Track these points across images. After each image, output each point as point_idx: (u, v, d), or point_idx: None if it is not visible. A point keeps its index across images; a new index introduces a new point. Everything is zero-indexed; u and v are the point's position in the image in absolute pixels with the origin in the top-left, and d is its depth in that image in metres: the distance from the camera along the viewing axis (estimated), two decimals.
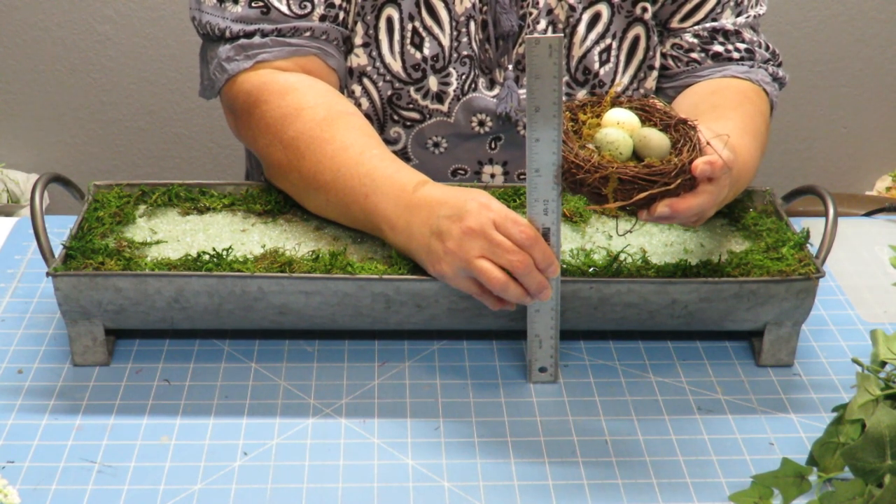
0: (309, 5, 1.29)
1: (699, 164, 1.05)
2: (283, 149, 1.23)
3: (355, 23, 1.33)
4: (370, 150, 1.20)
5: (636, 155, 1.08)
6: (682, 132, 1.10)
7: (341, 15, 1.32)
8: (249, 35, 1.28)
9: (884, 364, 1.09)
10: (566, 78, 1.37)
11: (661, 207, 1.05)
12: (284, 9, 1.28)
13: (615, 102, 1.12)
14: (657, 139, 1.07)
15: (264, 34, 1.28)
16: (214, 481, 1.02)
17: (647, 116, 1.12)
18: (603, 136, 1.07)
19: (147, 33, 2.61)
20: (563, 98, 1.36)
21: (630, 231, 1.23)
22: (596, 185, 1.04)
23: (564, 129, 1.06)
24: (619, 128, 1.07)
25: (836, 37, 2.70)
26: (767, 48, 1.42)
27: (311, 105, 1.24)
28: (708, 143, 1.07)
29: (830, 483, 1.01)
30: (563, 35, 1.07)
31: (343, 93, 1.36)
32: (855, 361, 1.09)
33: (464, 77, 1.35)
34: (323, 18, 1.30)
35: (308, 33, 1.29)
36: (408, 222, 1.13)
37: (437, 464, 1.05)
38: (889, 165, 2.86)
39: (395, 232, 1.14)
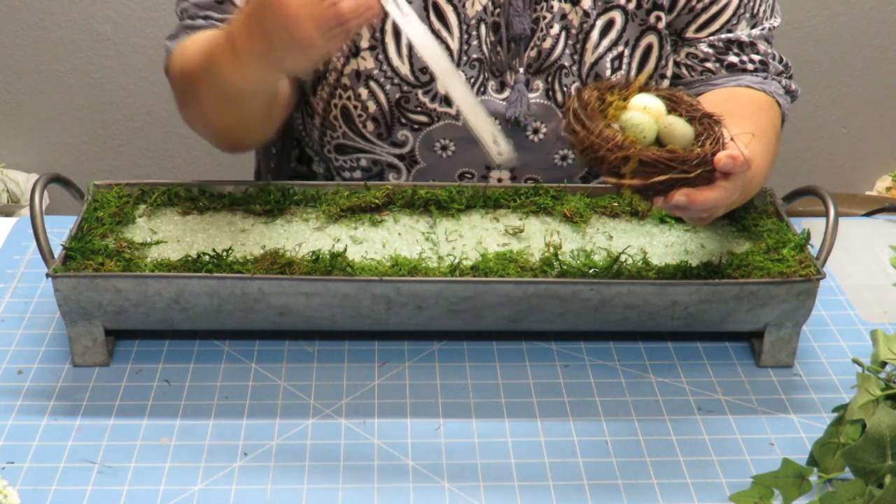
0: None
1: (722, 157, 1.04)
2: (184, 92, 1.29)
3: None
4: (214, 31, 1.24)
5: (659, 142, 1.08)
6: (706, 125, 1.10)
7: None
8: (195, 17, 1.32)
9: (884, 364, 1.09)
10: (577, 84, 1.37)
11: (679, 196, 1.04)
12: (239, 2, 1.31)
13: (643, 88, 1.12)
14: (682, 128, 1.07)
15: (213, 20, 1.31)
16: (214, 482, 1.02)
17: (673, 106, 1.12)
18: (628, 119, 1.06)
19: (147, 33, 2.61)
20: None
21: (647, 212, 1.25)
22: (616, 165, 1.03)
23: (591, 107, 1.06)
24: (644, 112, 1.07)
25: (836, 37, 2.70)
26: (781, 60, 1.43)
27: (192, 41, 1.28)
28: (732, 139, 1.07)
29: (831, 483, 1.01)
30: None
31: (295, 95, 1.38)
32: (855, 362, 1.09)
33: (473, 80, 1.35)
34: None
35: None
36: (246, 42, 1.11)
37: (437, 464, 1.05)
38: (889, 165, 2.86)
39: (249, 59, 1.12)
